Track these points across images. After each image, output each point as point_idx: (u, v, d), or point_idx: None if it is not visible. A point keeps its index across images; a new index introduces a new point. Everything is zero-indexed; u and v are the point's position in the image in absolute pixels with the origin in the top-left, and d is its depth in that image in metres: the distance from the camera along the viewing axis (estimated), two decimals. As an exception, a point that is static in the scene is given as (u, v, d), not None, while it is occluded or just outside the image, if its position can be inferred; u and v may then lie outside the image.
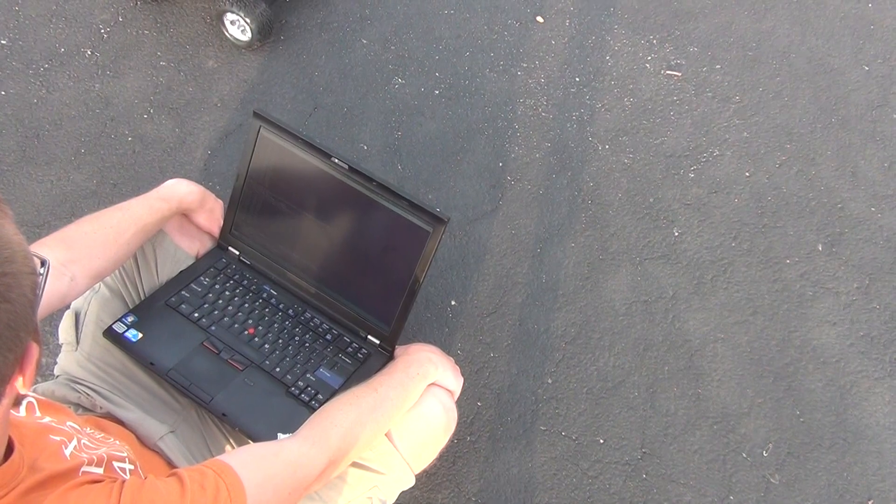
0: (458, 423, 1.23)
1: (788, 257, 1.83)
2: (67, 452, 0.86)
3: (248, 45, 1.97)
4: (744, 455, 1.56)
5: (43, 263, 0.71)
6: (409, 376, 1.17)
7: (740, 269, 1.80)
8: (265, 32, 1.93)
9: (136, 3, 2.03)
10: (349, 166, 1.23)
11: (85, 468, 0.85)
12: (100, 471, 0.89)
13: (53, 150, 1.78)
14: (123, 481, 0.80)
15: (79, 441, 0.89)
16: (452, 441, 1.31)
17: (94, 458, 0.90)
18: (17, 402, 0.74)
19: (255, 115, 1.27)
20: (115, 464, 0.94)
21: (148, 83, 1.91)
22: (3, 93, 1.85)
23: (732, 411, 1.61)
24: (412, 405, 1.18)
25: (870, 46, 2.24)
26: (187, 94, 1.91)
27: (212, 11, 2.02)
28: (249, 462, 0.90)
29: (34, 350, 0.68)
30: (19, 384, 0.68)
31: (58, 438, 0.87)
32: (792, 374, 1.67)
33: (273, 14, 1.93)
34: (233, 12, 1.87)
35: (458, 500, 1.46)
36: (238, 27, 1.93)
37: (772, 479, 1.54)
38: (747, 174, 1.96)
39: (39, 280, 0.68)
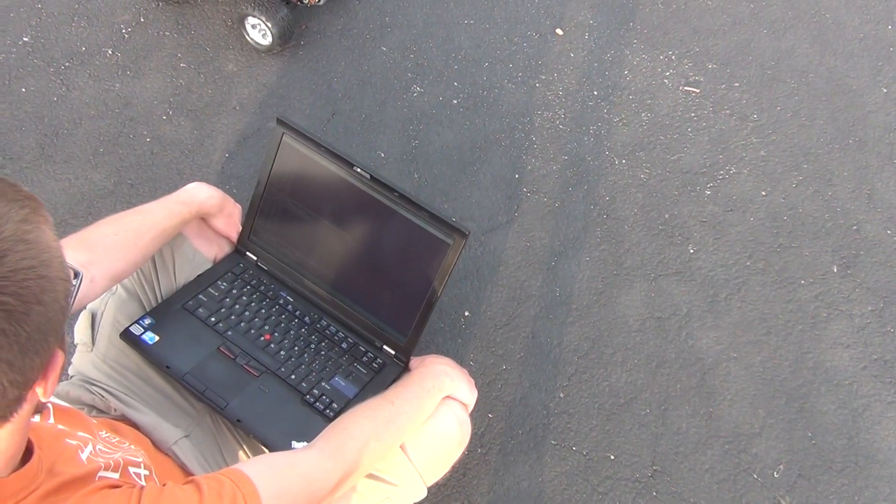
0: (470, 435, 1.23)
1: (803, 278, 1.82)
2: (84, 457, 0.86)
3: (269, 50, 1.97)
4: (755, 476, 1.55)
5: (76, 275, 0.71)
6: (424, 389, 1.17)
7: (755, 288, 1.79)
8: (286, 37, 1.94)
9: (158, 4, 2.04)
10: (371, 176, 1.23)
11: (101, 473, 0.85)
12: (116, 476, 0.88)
13: (72, 148, 1.79)
14: (142, 487, 0.80)
15: (94, 447, 0.89)
16: (463, 452, 1.30)
17: (111, 462, 0.90)
18: (38, 410, 0.74)
19: (279, 122, 1.28)
20: (131, 469, 0.94)
21: (168, 84, 1.92)
22: (23, 90, 1.86)
23: (744, 431, 1.60)
24: (427, 418, 1.18)
25: (889, 68, 2.24)
26: (206, 96, 1.91)
27: (233, 15, 2.03)
28: (266, 472, 0.90)
29: (59, 358, 0.68)
30: (40, 392, 0.68)
31: (74, 443, 0.87)
32: (804, 395, 1.66)
33: (294, 19, 1.94)
34: (254, 16, 1.88)
35: (468, 512, 1.46)
36: (259, 31, 1.94)
37: (782, 501, 1.53)
38: (764, 193, 1.95)
39: (72, 290, 0.68)
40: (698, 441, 1.58)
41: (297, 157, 1.29)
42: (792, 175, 2.00)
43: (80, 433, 0.91)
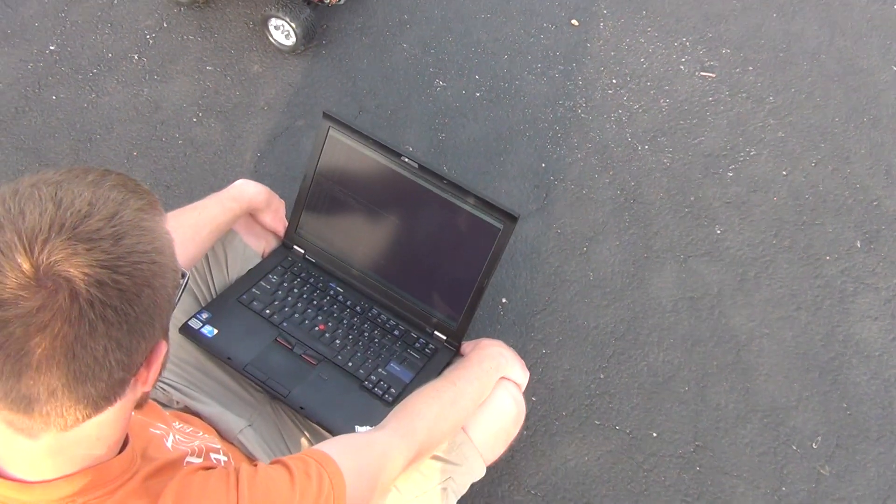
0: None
1: (828, 254, 1.86)
2: (169, 444, 0.89)
3: (293, 50, 2.00)
4: (794, 447, 1.59)
5: (183, 275, 0.74)
6: (483, 370, 1.20)
7: (782, 265, 1.83)
8: (310, 37, 1.96)
9: (181, 9, 2.06)
10: (419, 165, 1.26)
11: (188, 458, 0.88)
12: (200, 461, 0.91)
13: (106, 153, 1.81)
14: (237, 467, 0.83)
15: (173, 436, 0.92)
16: (519, 431, 1.33)
17: (195, 449, 0.92)
18: (140, 404, 0.76)
19: (325, 115, 1.31)
20: (212, 455, 0.97)
21: (195, 87, 1.94)
22: (53, 97, 1.88)
23: (781, 405, 1.64)
24: (485, 398, 1.21)
25: (898, 47, 2.28)
26: (234, 97, 1.94)
27: (255, 17, 2.06)
28: (346, 452, 0.93)
29: (162, 348, 0.70)
30: (143, 381, 0.70)
31: (158, 432, 0.90)
32: (837, 367, 1.70)
33: (316, 18, 1.96)
34: (278, 17, 1.90)
35: (518, 492, 1.49)
36: (282, 32, 1.96)
37: (822, 471, 1.57)
38: (784, 173, 1.99)
39: (180, 284, 0.71)
40: (737, 416, 1.61)
41: (344, 150, 1.32)
42: (810, 154, 2.03)
43: (159, 423, 0.93)
